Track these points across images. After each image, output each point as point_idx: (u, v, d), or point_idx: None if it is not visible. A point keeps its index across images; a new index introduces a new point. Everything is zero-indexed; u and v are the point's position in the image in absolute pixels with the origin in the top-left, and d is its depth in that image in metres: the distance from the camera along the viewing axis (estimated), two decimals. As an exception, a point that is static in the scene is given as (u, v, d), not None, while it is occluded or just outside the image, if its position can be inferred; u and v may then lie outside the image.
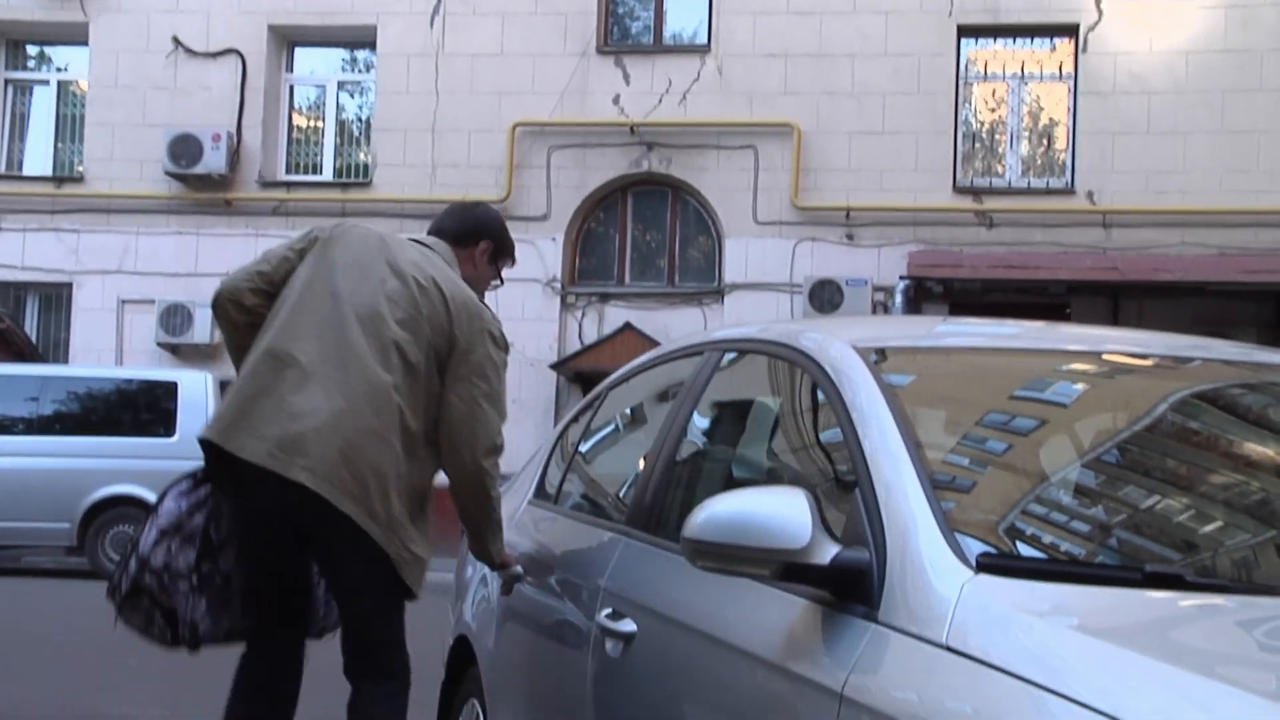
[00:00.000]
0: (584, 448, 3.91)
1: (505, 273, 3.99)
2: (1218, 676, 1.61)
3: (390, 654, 3.57)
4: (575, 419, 4.01)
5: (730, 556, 2.10)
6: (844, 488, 2.35)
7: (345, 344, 3.43)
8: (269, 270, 3.59)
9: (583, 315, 16.57)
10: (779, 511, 2.06)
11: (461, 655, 3.90)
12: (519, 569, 3.56)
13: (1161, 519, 2.38)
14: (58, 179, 17.48)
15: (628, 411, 3.93)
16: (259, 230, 16.45)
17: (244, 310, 3.59)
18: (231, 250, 16.27)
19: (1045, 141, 16.61)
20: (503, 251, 3.90)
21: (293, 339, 3.45)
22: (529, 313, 16.28)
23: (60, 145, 17.81)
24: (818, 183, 16.12)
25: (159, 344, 16.53)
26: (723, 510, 2.12)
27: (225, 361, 17.81)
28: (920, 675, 1.85)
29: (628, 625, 2.68)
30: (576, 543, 3.33)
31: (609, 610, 2.78)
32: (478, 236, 3.84)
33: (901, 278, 15.26)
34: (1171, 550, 2.27)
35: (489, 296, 3.89)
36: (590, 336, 16.43)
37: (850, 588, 2.05)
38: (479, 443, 3.49)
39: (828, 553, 2.04)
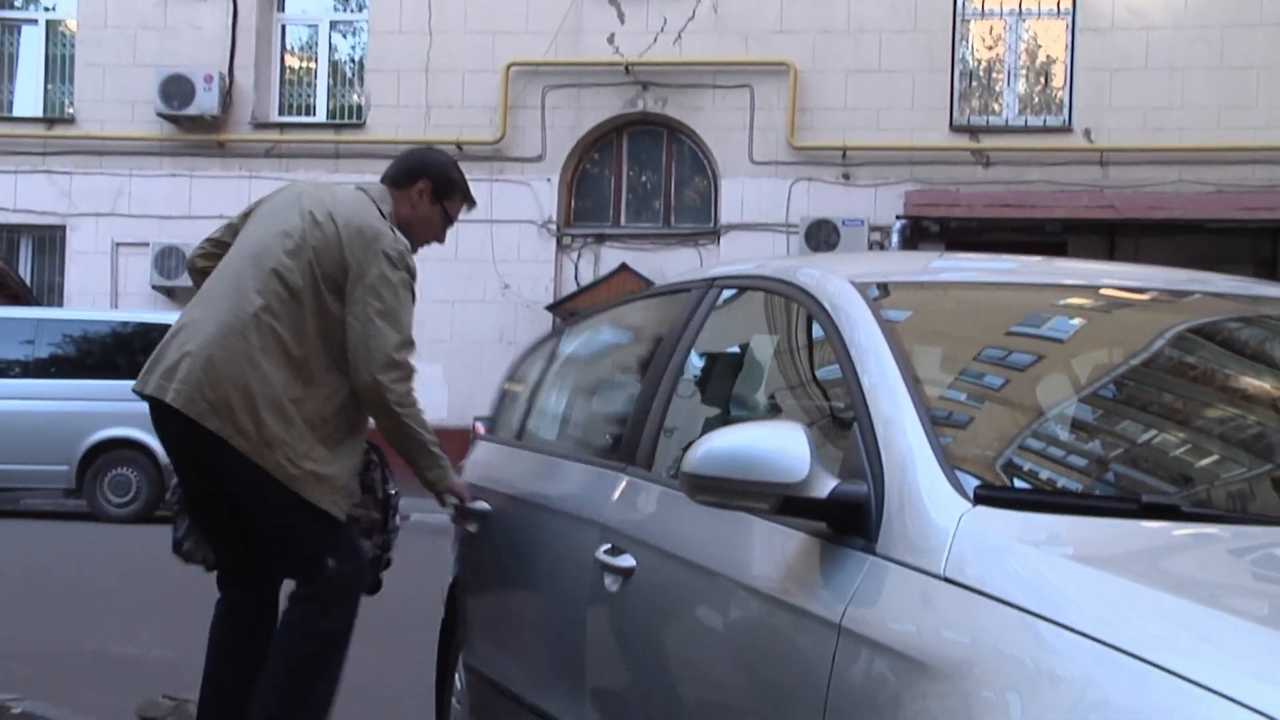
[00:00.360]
0: (576, 385, 3.91)
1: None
2: (1213, 603, 1.63)
3: (313, 566, 3.64)
4: (556, 356, 4.02)
5: (729, 490, 2.11)
6: (842, 424, 2.35)
7: (232, 279, 3.67)
8: (217, 236, 3.91)
9: (579, 257, 16.54)
10: (778, 445, 2.07)
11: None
12: (485, 505, 3.57)
13: (1158, 453, 2.39)
14: (48, 120, 17.36)
15: (620, 349, 3.92)
16: (253, 172, 16.37)
17: (199, 273, 3.88)
18: (225, 192, 16.17)
19: (1043, 79, 16.51)
20: (446, 192, 3.91)
21: (206, 289, 3.74)
22: (525, 254, 16.24)
23: (50, 86, 17.67)
24: (814, 122, 16.04)
25: (154, 286, 16.49)
26: (721, 445, 2.13)
27: (221, 304, 17.66)
28: (918, 606, 1.87)
29: (626, 560, 2.70)
30: (571, 480, 3.33)
31: (608, 546, 2.80)
32: (415, 176, 3.87)
33: (898, 217, 15.22)
34: (1168, 483, 2.28)
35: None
36: (586, 278, 16.40)
37: (848, 521, 2.06)
38: (373, 358, 3.57)
39: (826, 486, 2.05)
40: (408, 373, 3.61)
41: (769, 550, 2.25)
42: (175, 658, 5.73)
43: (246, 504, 3.65)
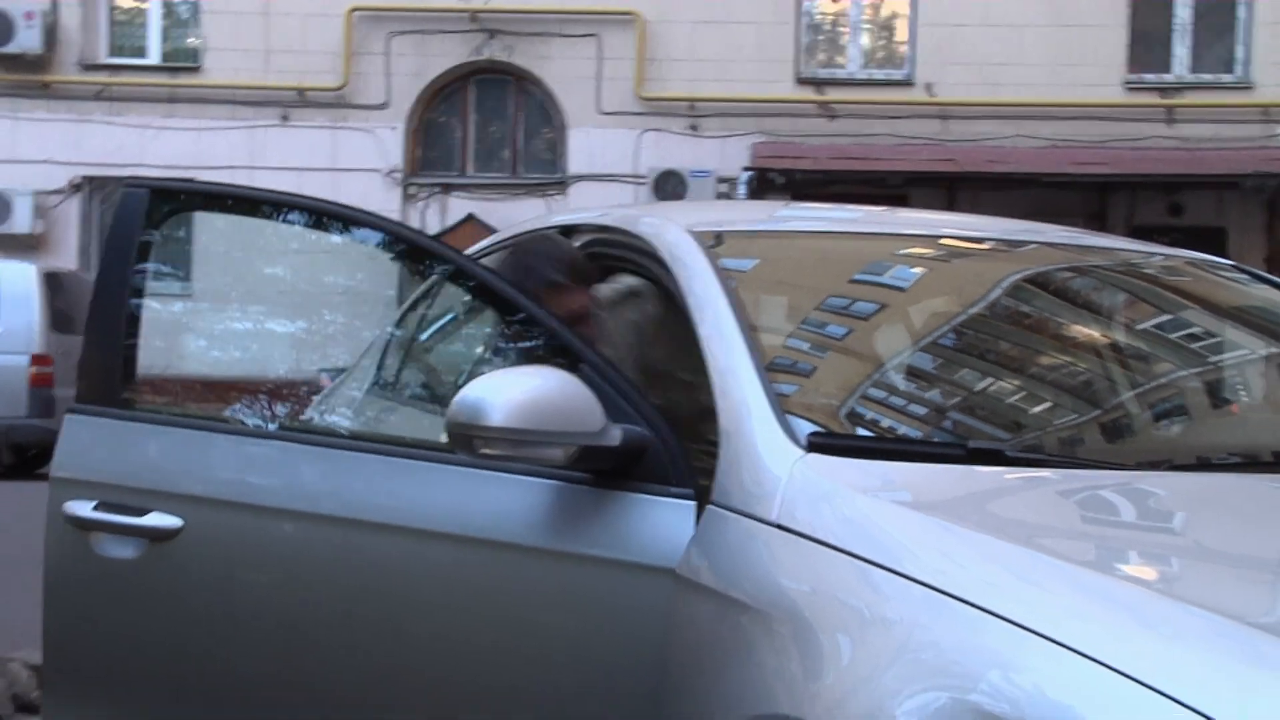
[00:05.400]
0: (423, 337, 3.83)
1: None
2: (1037, 547, 1.65)
3: None
4: (412, 308, 3.91)
5: (523, 442, 1.96)
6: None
7: None
8: None
9: (425, 206, 16.29)
10: (573, 393, 1.97)
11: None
12: None
13: (994, 400, 2.43)
14: None
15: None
16: (82, 115, 15.72)
17: None
18: (53, 136, 15.54)
19: (886, 33, 16.72)
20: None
21: None
22: (370, 204, 15.88)
23: None
24: (661, 73, 16.00)
25: (-24, 235, 15.76)
26: (516, 395, 1.95)
27: (50, 253, 16.87)
28: (754, 554, 1.86)
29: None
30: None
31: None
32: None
33: (745, 169, 15.31)
34: (1003, 430, 2.32)
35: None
36: (433, 228, 16.14)
37: (636, 464, 2.01)
38: None
39: (615, 433, 1.99)
40: None
41: (537, 505, 2.10)
42: None
43: None
